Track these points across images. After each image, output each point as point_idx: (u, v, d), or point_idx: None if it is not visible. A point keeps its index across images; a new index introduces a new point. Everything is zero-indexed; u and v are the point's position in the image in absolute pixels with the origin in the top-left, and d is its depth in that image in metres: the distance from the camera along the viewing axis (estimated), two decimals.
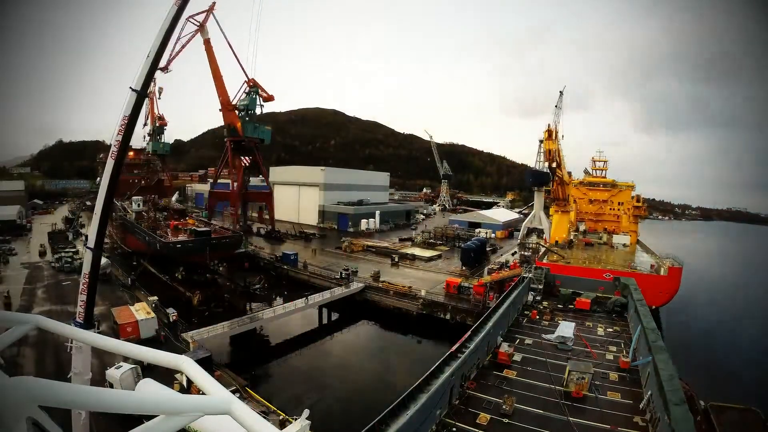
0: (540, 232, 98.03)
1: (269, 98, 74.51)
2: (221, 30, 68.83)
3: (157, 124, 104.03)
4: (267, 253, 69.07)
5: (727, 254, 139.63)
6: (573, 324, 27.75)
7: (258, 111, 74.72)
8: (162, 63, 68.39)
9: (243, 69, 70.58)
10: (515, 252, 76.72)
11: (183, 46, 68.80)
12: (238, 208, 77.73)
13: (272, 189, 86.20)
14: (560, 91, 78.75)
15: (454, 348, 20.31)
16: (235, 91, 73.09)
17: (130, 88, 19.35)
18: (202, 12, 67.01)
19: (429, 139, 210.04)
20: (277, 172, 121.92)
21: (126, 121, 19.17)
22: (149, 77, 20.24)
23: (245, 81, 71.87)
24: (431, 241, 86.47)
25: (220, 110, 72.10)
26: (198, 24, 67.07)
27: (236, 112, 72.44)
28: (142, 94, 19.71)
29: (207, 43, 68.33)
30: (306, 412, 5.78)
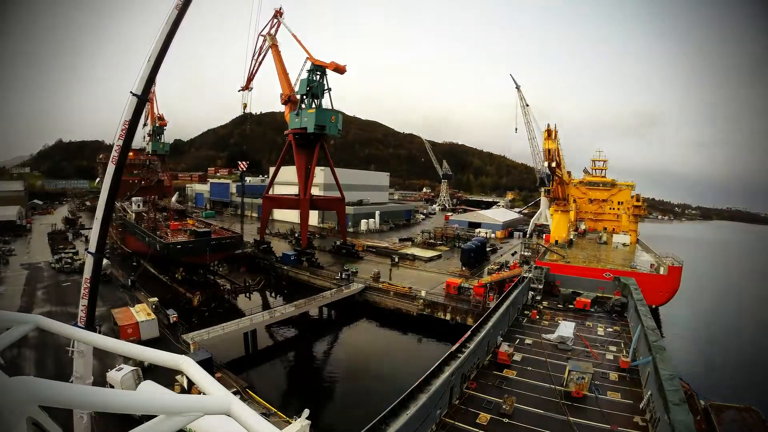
0: (541, 232, 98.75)
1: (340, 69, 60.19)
2: (292, 34, 63.45)
3: (157, 125, 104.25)
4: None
5: (727, 253, 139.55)
6: (573, 324, 27.77)
7: (326, 98, 62.32)
8: (242, 83, 66.83)
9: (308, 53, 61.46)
10: (515, 252, 76.76)
11: (260, 64, 66.95)
12: (307, 218, 67.24)
13: (343, 195, 72.57)
14: (516, 86, 78.58)
15: (454, 348, 20.32)
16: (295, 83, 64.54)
17: (131, 92, 19.14)
18: (270, 24, 64.97)
19: (425, 140, 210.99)
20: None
21: (127, 126, 19.02)
22: (150, 82, 19.97)
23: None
24: (431, 241, 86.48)
25: (283, 104, 66.84)
26: (271, 36, 64.83)
27: (298, 98, 62.84)
28: (143, 98, 19.47)
29: (275, 48, 65.17)
30: (306, 412, 5.78)
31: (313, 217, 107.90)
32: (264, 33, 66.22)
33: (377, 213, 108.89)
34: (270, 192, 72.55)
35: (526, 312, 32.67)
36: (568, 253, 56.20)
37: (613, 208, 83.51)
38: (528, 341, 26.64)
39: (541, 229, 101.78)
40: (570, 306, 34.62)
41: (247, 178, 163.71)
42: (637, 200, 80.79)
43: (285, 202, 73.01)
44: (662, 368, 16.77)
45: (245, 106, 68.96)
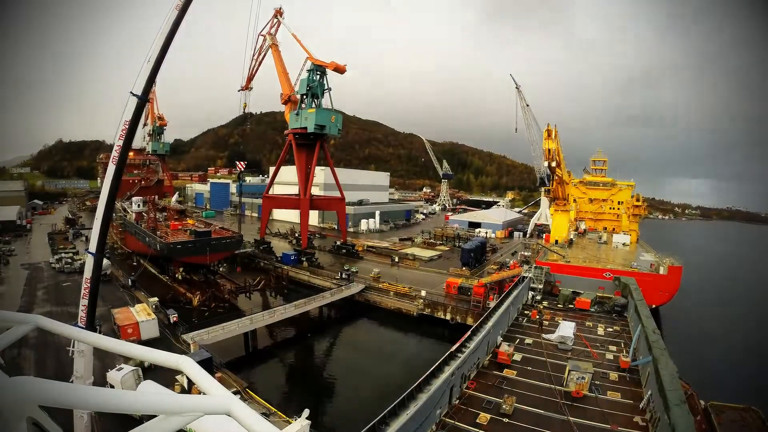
0: (541, 232, 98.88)
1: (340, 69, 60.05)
2: (291, 33, 62.96)
3: (157, 125, 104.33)
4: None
5: (727, 253, 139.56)
6: (573, 324, 27.80)
7: (326, 97, 61.66)
8: (242, 82, 66.76)
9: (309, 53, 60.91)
10: (515, 252, 76.78)
11: (259, 64, 66.78)
12: (307, 218, 66.53)
13: (343, 195, 72.21)
14: (516, 87, 78.16)
15: (454, 348, 20.33)
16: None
17: (131, 92, 19.10)
18: (270, 24, 65.00)
19: (425, 140, 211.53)
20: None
21: (127, 126, 18.96)
22: (150, 82, 19.87)
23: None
24: (431, 241, 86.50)
25: (283, 104, 66.66)
26: (271, 35, 64.86)
27: (298, 98, 62.30)
28: (143, 99, 19.40)
29: (275, 48, 65.12)
30: (306, 412, 5.79)
31: (313, 217, 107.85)
32: (264, 33, 66.25)
33: (377, 213, 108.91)
34: (270, 192, 72.52)
35: (526, 312, 32.71)
36: (568, 253, 56.17)
37: (613, 208, 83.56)
38: (528, 341, 26.66)
39: (542, 229, 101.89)
40: (570, 306, 34.65)
41: (248, 178, 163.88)
42: (637, 200, 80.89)
43: (285, 202, 72.97)
44: (662, 368, 16.78)
45: (245, 105, 68.76)
